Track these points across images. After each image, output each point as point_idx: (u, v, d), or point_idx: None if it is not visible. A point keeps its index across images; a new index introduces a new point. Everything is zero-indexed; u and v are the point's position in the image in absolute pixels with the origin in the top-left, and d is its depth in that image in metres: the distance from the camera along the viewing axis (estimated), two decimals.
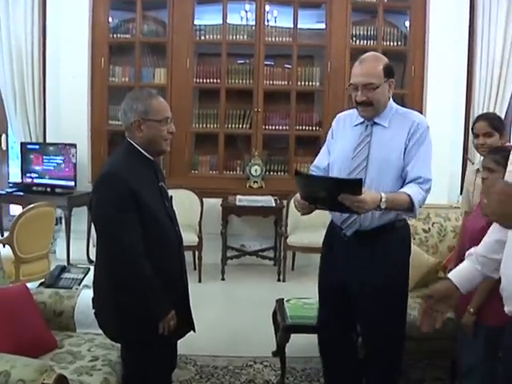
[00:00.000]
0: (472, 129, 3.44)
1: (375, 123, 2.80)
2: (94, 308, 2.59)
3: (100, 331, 2.79)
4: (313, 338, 3.88)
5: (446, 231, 3.90)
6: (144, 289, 2.38)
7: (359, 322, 2.99)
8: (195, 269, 5.68)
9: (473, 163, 5.54)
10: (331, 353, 3.10)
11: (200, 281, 5.54)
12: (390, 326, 2.82)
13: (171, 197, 2.67)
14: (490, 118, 3.40)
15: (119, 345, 2.70)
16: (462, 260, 2.90)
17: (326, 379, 3.24)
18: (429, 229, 3.93)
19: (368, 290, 2.77)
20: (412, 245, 2.96)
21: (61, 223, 6.17)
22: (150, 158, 2.54)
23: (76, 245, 5.87)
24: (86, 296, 3.03)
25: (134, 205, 2.36)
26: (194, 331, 2.68)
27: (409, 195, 2.62)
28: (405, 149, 2.75)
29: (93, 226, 2.56)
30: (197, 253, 5.70)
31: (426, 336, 3.29)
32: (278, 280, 5.76)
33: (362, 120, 2.83)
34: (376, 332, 2.84)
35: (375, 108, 2.75)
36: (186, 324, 2.64)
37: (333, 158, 2.90)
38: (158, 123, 2.48)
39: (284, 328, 3.44)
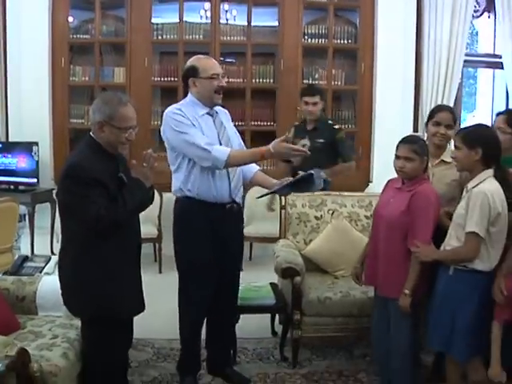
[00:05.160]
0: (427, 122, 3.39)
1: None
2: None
3: (60, 313, 3.03)
4: (264, 319, 4.15)
5: None
6: (128, 213, 2.73)
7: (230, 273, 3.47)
8: (155, 260, 5.89)
9: None
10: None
11: (160, 271, 5.74)
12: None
13: None
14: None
15: (78, 324, 2.92)
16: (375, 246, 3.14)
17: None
18: (371, 215, 4.18)
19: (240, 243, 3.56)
20: None
21: (24, 220, 6.28)
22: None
23: (40, 240, 5.99)
24: (46, 282, 3.26)
25: (99, 191, 2.57)
26: (144, 310, 2.91)
27: None
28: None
29: (58, 215, 2.79)
30: (157, 245, 5.90)
31: None
32: None
33: (206, 110, 3.17)
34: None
35: None
36: (140, 303, 2.89)
37: None
38: (118, 130, 2.67)
39: None
